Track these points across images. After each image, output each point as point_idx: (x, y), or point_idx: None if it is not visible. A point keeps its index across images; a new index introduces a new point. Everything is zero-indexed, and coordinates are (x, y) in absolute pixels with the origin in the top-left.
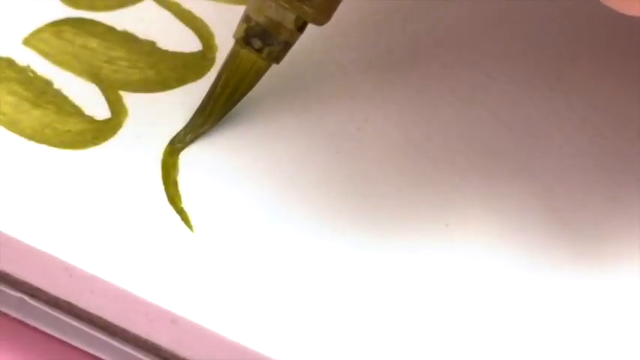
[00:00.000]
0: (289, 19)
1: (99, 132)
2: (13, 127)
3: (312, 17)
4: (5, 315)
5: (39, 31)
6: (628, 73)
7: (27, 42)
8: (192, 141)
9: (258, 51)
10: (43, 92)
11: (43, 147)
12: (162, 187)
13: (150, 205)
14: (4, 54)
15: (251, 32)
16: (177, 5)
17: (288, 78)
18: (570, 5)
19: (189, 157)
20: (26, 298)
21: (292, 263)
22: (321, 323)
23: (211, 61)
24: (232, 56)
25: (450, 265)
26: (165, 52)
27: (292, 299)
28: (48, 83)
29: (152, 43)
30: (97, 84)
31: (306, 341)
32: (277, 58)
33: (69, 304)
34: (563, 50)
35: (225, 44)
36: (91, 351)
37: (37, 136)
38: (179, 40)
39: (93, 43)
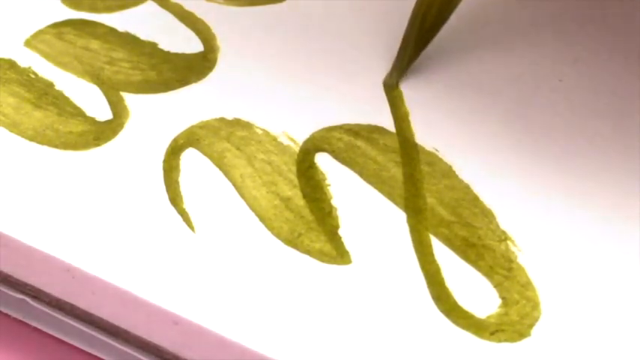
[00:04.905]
0: None
1: (100, 133)
2: (15, 128)
3: None
4: (7, 316)
5: (40, 32)
6: (628, 74)
7: (28, 43)
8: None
9: None
10: (44, 93)
11: (45, 148)
12: (163, 188)
13: (151, 205)
14: (6, 55)
15: None
16: (179, 6)
17: None
18: (572, 5)
19: (190, 157)
20: (28, 299)
21: (292, 263)
22: (321, 323)
23: (213, 63)
24: None
25: None
26: (167, 53)
27: (292, 299)
28: (49, 84)
29: (153, 45)
30: (98, 85)
31: (306, 341)
32: None
33: (70, 305)
34: (564, 51)
35: (226, 45)
36: (92, 352)
37: (38, 137)
38: (181, 41)
39: (94, 44)
